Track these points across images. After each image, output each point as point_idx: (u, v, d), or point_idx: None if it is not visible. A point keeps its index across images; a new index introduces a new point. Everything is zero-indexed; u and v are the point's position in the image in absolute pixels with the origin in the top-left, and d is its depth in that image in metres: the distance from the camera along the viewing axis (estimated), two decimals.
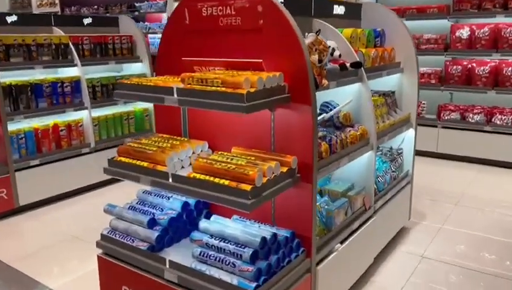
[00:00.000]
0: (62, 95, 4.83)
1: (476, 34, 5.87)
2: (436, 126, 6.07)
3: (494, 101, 5.96)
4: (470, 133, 5.86)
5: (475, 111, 5.89)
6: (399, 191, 3.61)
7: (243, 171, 2.04)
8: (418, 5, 6.33)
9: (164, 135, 2.71)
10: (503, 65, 5.77)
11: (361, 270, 3.09)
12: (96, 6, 9.57)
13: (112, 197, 4.64)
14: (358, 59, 2.91)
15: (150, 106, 5.71)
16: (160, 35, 8.13)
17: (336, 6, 3.35)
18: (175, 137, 2.65)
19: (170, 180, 2.24)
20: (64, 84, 4.83)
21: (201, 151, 2.53)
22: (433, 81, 6.24)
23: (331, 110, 2.92)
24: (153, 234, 2.38)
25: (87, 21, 5.57)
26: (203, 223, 2.31)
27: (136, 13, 8.66)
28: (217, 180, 2.08)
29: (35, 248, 3.79)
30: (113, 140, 5.28)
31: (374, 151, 3.02)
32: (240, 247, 2.11)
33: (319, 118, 2.75)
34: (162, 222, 2.44)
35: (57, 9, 10.25)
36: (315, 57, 2.35)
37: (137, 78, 2.61)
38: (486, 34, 5.80)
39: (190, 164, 2.40)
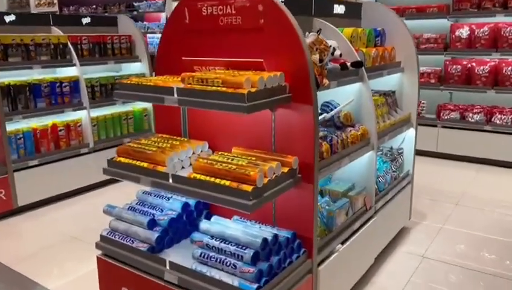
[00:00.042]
0: (61, 95, 4.80)
1: (476, 33, 5.87)
2: (435, 126, 6.06)
3: (494, 101, 5.95)
4: (470, 133, 5.85)
5: (475, 111, 5.89)
6: (399, 191, 3.60)
7: (243, 171, 2.03)
8: (418, 4, 6.32)
9: (164, 135, 2.69)
10: (503, 64, 5.76)
11: (362, 271, 3.07)
12: (94, 6, 9.55)
13: (111, 198, 4.63)
14: (359, 59, 2.90)
15: (148, 105, 5.69)
16: (159, 35, 8.19)
17: (336, 6, 3.34)
18: (175, 137, 2.64)
19: (170, 180, 2.22)
20: (63, 84, 4.81)
21: (202, 151, 2.52)
22: (432, 81, 6.24)
23: (331, 110, 2.91)
24: (153, 235, 2.37)
25: (85, 21, 5.55)
26: (204, 224, 2.29)
27: (135, 13, 8.65)
28: (217, 180, 2.06)
29: (34, 248, 3.77)
30: (112, 140, 5.26)
31: (374, 151, 3.01)
32: (240, 248, 2.09)
33: (319, 117, 2.74)
34: (162, 222, 2.42)
35: (55, 8, 10.23)
36: (316, 57, 2.34)
37: (137, 78, 2.59)
38: (486, 33, 5.80)
39: (190, 165, 2.38)
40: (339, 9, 3.36)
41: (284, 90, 2.22)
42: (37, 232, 4.12)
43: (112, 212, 2.58)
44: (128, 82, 2.46)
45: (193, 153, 2.45)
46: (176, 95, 2.18)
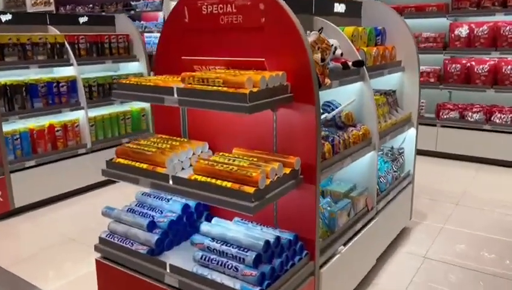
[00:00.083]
0: (58, 95, 4.76)
1: (475, 32, 5.84)
2: (435, 125, 6.05)
3: (493, 100, 5.94)
4: (469, 132, 5.83)
5: (474, 110, 5.87)
6: (401, 192, 3.57)
7: (245, 173, 1.99)
8: (417, 3, 6.29)
9: (163, 136, 2.66)
10: (502, 63, 5.74)
11: (364, 272, 3.05)
12: (91, 5, 9.49)
13: (109, 198, 4.61)
14: (360, 58, 2.87)
15: (146, 105, 5.65)
16: (156, 34, 8.15)
17: (336, 4, 3.31)
18: (174, 138, 2.60)
19: (170, 182, 2.18)
20: (60, 84, 4.76)
21: (202, 152, 2.48)
22: (432, 80, 6.22)
23: (332, 109, 2.88)
24: (153, 237, 2.33)
25: (83, 20, 5.50)
26: (204, 226, 2.26)
27: (132, 12, 8.59)
28: (219, 182, 2.03)
29: (31, 250, 3.73)
30: (109, 140, 5.22)
31: (376, 151, 2.98)
32: (242, 250, 2.06)
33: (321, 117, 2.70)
34: (162, 224, 2.39)
35: (52, 8, 10.15)
36: (318, 56, 2.30)
37: (136, 78, 2.55)
38: (485, 32, 5.78)
39: (190, 165, 2.35)
40: (339, 8, 3.33)
41: (285, 90, 2.18)
42: (35, 233, 4.08)
43: (111, 214, 2.54)
44: (127, 82, 2.42)
45: (193, 153, 2.41)
46: (176, 95, 2.14)
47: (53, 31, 4.99)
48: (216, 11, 2.37)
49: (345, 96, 2.91)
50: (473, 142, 5.80)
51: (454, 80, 6.07)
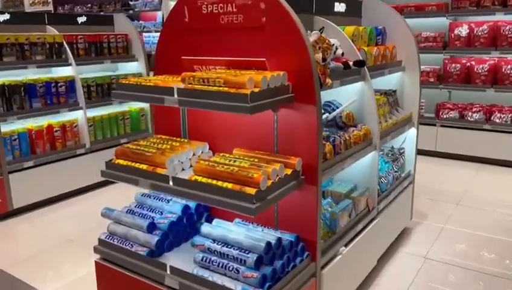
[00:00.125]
0: (56, 95, 4.73)
1: (475, 31, 5.83)
2: (434, 125, 6.04)
3: (493, 100, 5.93)
4: (469, 132, 5.82)
5: (474, 109, 5.86)
6: (401, 192, 3.56)
7: (246, 174, 1.97)
8: (417, 2, 6.28)
9: (163, 136, 2.63)
10: (502, 63, 5.73)
11: (365, 273, 3.03)
12: (89, 5, 9.46)
13: (108, 199, 4.58)
14: (361, 57, 2.85)
15: (145, 105, 5.62)
16: (154, 34, 8.12)
17: (336, 4, 3.28)
18: (174, 138, 2.58)
19: (171, 183, 2.16)
20: (59, 84, 4.73)
21: (202, 152, 2.46)
22: (431, 80, 6.20)
23: (333, 109, 2.86)
24: (153, 239, 2.31)
25: (81, 19, 5.47)
26: (205, 227, 2.24)
27: (131, 12, 8.55)
28: (219, 183, 2.01)
29: (30, 251, 3.71)
30: (108, 140, 5.20)
31: (377, 151, 2.96)
32: (243, 252, 2.04)
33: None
34: (162, 226, 2.37)
35: (50, 7, 10.11)
36: (319, 56, 2.29)
37: (136, 78, 2.53)
38: (485, 31, 5.76)
39: (191, 166, 2.33)
40: (339, 7, 3.31)
41: (287, 90, 2.16)
42: (33, 234, 4.06)
43: (111, 215, 2.52)
44: (127, 82, 2.39)
45: (193, 154, 2.39)
46: (176, 96, 2.12)
47: (51, 30, 4.96)
48: (216, 11, 2.35)
49: (345, 96, 2.89)
50: (472, 142, 5.79)
51: (454, 79, 6.06)
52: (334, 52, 2.63)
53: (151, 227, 2.35)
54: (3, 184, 4.27)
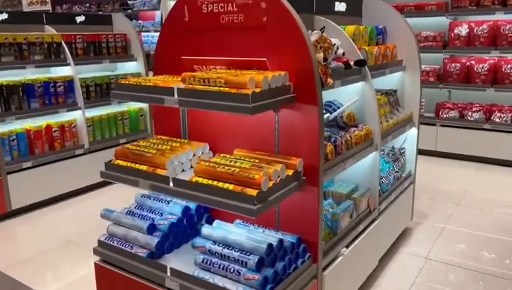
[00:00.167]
0: (55, 95, 4.70)
1: (475, 31, 5.82)
2: (434, 124, 6.02)
3: (493, 99, 5.91)
4: (469, 132, 5.81)
5: (474, 109, 5.85)
6: (402, 192, 3.54)
7: (247, 175, 1.95)
8: (416, 2, 6.26)
9: (163, 137, 2.61)
10: (502, 62, 5.71)
11: (367, 274, 3.01)
12: (88, 4, 9.42)
13: (107, 199, 4.55)
14: (362, 57, 2.83)
15: (144, 105, 5.60)
16: (153, 34, 8.10)
17: (337, 3, 3.27)
18: (174, 139, 2.56)
19: (171, 184, 2.14)
20: (57, 84, 4.71)
21: (202, 153, 2.44)
22: (431, 79, 6.19)
23: (334, 109, 2.85)
24: (153, 240, 2.29)
25: (80, 19, 5.44)
26: (206, 229, 2.22)
27: (129, 11, 8.53)
28: (220, 184, 1.99)
29: (28, 252, 3.68)
30: (107, 141, 5.17)
31: (378, 151, 2.94)
32: (244, 254, 2.02)
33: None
34: (162, 227, 2.34)
35: (48, 7, 10.08)
36: (320, 55, 2.27)
37: (135, 78, 2.51)
38: (485, 31, 5.75)
39: (191, 167, 2.31)
40: (340, 6, 3.30)
41: (288, 90, 2.15)
42: (32, 235, 4.03)
43: (110, 216, 2.50)
44: (126, 82, 2.37)
45: (194, 155, 2.37)
46: (176, 96, 2.10)
47: (50, 30, 4.93)
48: (217, 10, 2.33)
49: (346, 96, 2.87)
50: (472, 141, 5.78)
51: (454, 79, 6.05)
52: (335, 52, 2.62)
53: (151, 228, 2.33)
54: (1, 185, 4.24)
